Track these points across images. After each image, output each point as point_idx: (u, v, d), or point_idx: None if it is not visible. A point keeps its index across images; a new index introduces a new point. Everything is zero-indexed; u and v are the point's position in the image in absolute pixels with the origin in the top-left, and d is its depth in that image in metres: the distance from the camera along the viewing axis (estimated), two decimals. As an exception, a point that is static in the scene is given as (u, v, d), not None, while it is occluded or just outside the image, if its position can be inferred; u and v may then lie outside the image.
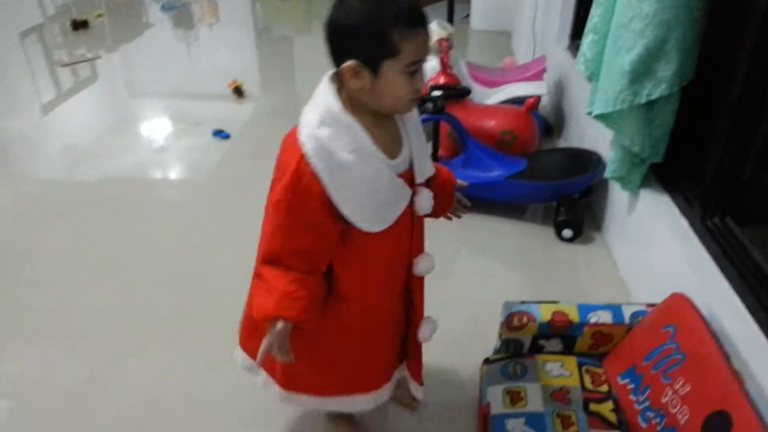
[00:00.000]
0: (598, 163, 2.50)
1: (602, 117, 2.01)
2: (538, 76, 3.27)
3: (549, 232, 2.55)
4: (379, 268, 1.29)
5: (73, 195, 2.92)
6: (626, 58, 1.86)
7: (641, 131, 1.96)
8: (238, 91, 4.04)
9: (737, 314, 1.45)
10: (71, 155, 3.34)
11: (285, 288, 1.15)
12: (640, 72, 1.85)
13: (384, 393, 1.49)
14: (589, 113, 2.12)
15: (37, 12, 6.10)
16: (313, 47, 5.63)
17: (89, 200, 2.87)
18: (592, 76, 2.20)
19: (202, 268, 2.37)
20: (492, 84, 3.32)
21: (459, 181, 1.49)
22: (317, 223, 1.14)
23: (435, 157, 2.74)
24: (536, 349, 1.68)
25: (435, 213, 1.39)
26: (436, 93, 2.68)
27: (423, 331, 1.41)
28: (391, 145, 1.18)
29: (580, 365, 1.61)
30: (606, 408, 1.48)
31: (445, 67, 3.04)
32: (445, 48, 3.05)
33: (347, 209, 1.13)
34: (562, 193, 2.54)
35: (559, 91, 3.36)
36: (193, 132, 3.56)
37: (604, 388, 1.55)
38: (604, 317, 1.63)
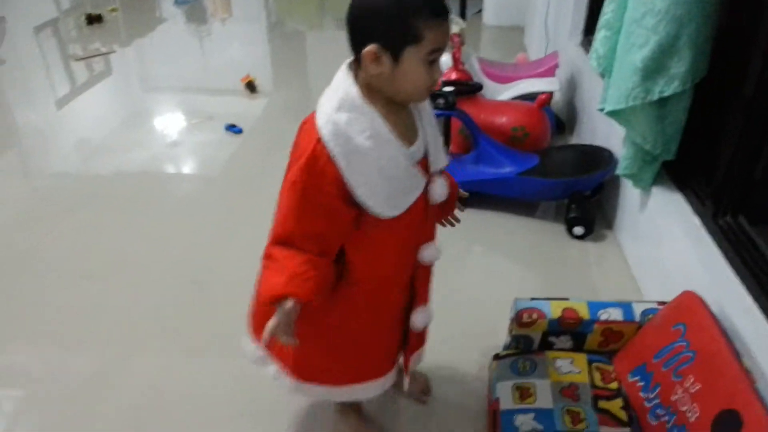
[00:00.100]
0: (610, 160, 2.49)
1: (614, 113, 2.01)
2: (550, 72, 3.26)
3: (560, 229, 2.54)
4: (391, 254, 1.29)
5: (87, 189, 2.95)
6: (638, 54, 1.85)
7: (653, 128, 1.95)
8: (251, 86, 4.06)
9: (748, 313, 1.44)
10: (85, 149, 3.37)
11: (295, 268, 1.15)
12: (653, 68, 1.84)
13: (389, 379, 1.50)
14: (601, 110, 2.12)
15: (52, 7, 6.16)
16: (326, 42, 5.62)
17: (103, 194, 2.90)
18: (605, 73, 2.19)
19: (214, 263, 2.38)
20: (504, 80, 3.31)
21: (460, 191, 1.49)
22: (331, 207, 1.15)
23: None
24: (546, 345, 1.69)
25: (437, 215, 1.41)
26: (448, 89, 2.68)
27: (416, 319, 1.41)
28: (406, 132, 1.19)
29: (589, 362, 1.61)
30: (615, 405, 1.49)
31: (456, 62, 3.04)
32: (457, 43, 3.05)
33: (362, 194, 1.14)
34: (573, 190, 2.53)
35: (572, 87, 3.35)
36: (206, 127, 3.58)
37: (614, 385, 1.55)
38: (615, 314, 1.63)
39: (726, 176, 1.74)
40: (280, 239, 1.18)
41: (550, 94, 3.01)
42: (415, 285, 1.39)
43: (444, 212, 1.47)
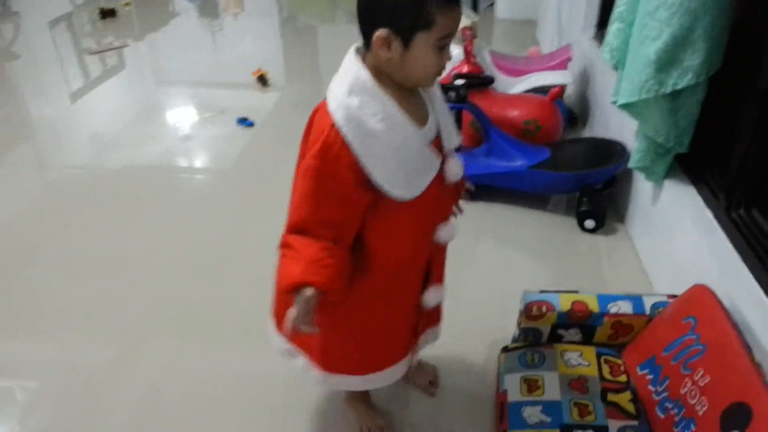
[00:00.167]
0: (623, 153, 2.47)
1: (627, 106, 1.99)
2: (562, 65, 3.23)
3: (571, 222, 2.53)
4: (409, 237, 1.29)
5: (100, 182, 2.98)
6: (652, 47, 1.84)
7: (666, 121, 1.93)
8: (263, 80, 4.07)
9: (760, 306, 1.43)
10: (99, 143, 3.40)
11: (313, 255, 1.15)
12: (666, 61, 1.83)
13: (406, 363, 1.51)
14: (614, 102, 2.10)
15: (66, 1, 6.20)
16: (338, 36, 5.62)
17: (116, 187, 2.92)
18: (618, 65, 2.17)
19: (226, 255, 2.40)
20: (516, 73, 3.29)
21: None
22: (345, 195, 1.15)
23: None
24: (555, 338, 1.68)
25: (452, 196, 1.40)
26: (459, 82, 2.67)
27: (428, 297, 1.41)
28: (417, 114, 1.19)
29: (599, 355, 1.61)
30: (624, 398, 1.48)
31: (468, 55, 3.03)
32: (469, 37, 3.03)
33: (378, 177, 1.14)
34: (584, 184, 2.52)
35: (585, 80, 3.33)
36: (218, 121, 3.60)
37: (623, 378, 1.54)
38: (625, 307, 1.63)
39: (740, 169, 1.72)
40: (296, 227, 1.18)
41: (563, 87, 2.99)
42: (431, 266, 1.39)
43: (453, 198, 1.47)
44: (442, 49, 1.11)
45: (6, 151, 3.29)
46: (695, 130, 1.96)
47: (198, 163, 3.28)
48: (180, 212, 2.71)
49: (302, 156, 1.21)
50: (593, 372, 1.56)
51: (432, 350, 1.65)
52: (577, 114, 3.35)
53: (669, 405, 1.40)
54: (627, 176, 2.48)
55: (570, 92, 3.44)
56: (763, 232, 1.61)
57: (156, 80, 4.59)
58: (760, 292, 1.45)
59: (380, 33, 1.07)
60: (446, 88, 2.53)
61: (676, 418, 1.36)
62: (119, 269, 2.32)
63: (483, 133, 2.69)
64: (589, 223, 2.47)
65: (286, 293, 1.18)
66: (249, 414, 1.72)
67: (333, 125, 1.11)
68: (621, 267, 2.31)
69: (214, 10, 6.11)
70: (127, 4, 5.89)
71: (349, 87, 1.12)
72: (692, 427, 1.30)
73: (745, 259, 1.57)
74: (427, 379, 1.76)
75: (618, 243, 2.43)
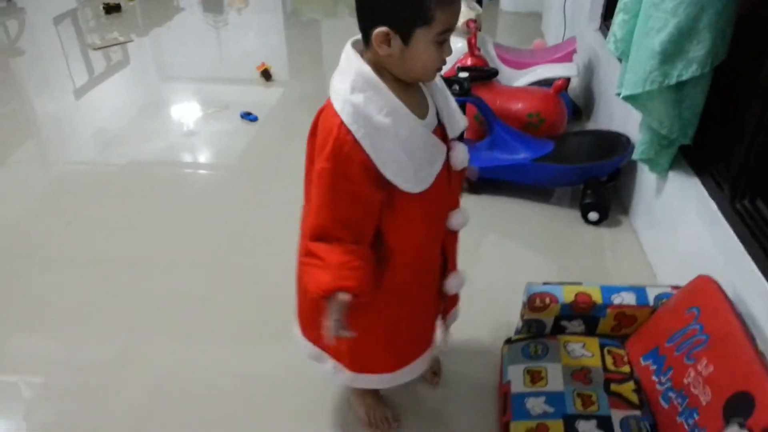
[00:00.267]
0: (627, 145, 2.46)
1: (631, 98, 1.99)
2: (567, 57, 3.22)
3: (575, 215, 2.53)
4: (423, 228, 1.30)
5: (105, 178, 2.98)
6: (657, 38, 1.83)
7: (670, 113, 1.93)
8: (266, 74, 4.06)
9: (764, 297, 1.43)
10: (103, 139, 3.40)
11: (340, 259, 1.16)
12: (671, 52, 1.82)
13: (431, 353, 1.53)
14: (618, 94, 2.10)
15: (71, -3, 6.21)
16: (341, 31, 5.61)
17: (120, 183, 2.93)
18: (622, 57, 2.17)
19: (231, 251, 2.40)
20: (520, 65, 3.28)
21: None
22: (360, 194, 1.15)
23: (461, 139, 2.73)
24: (558, 330, 1.68)
25: (460, 182, 1.40)
26: (463, 74, 2.67)
27: (450, 284, 1.42)
28: (417, 106, 1.19)
29: (602, 346, 1.61)
30: (627, 388, 1.48)
31: (472, 48, 3.02)
32: (473, 29, 3.02)
33: (389, 172, 1.14)
34: (588, 176, 2.51)
35: (589, 72, 3.32)
36: (222, 116, 3.60)
37: (626, 368, 1.54)
38: (628, 299, 1.63)
39: (744, 160, 1.71)
40: (317, 233, 1.18)
41: (567, 80, 2.98)
42: (446, 253, 1.39)
43: None
44: (442, 44, 1.11)
45: (10, 148, 3.29)
46: (699, 122, 1.95)
47: (202, 158, 3.28)
48: (184, 208, 2.72)
49: (309, 158, 1.22)
50: (596, 363, 1.56)
51: (458, 317, 1.63)
52: (581, 106, 3.34)
53: (672, 395, 1.40)
54: (631, 168, 2.47)
55: (574, 85, 3.43)
56: (767, 222, 1.61)
57: (160, 76, 4.59)
58: (765, 282, 1.45)
59: (380, 30, 1.07)
60: (450, 80, 2.53)
61: (680, 408, 1.36)
62: (123, 265, 2.32)
63: (486, 126, 2.69)
64: (593, 216, 2.47)
65: (320, 300, 1.19)
66: (255, 410, 1.73)
67: (341, 124, 1.10)
68: (625, 259, 2.31)
69: (218, 6, 6.11)
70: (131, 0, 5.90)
71: (351, 84, 1.11)
72: (695, 416, 1.30)
73: (750, 250, 1.57)
74: (430, 369, 1.76)
75: (622, 235, 2.43)
